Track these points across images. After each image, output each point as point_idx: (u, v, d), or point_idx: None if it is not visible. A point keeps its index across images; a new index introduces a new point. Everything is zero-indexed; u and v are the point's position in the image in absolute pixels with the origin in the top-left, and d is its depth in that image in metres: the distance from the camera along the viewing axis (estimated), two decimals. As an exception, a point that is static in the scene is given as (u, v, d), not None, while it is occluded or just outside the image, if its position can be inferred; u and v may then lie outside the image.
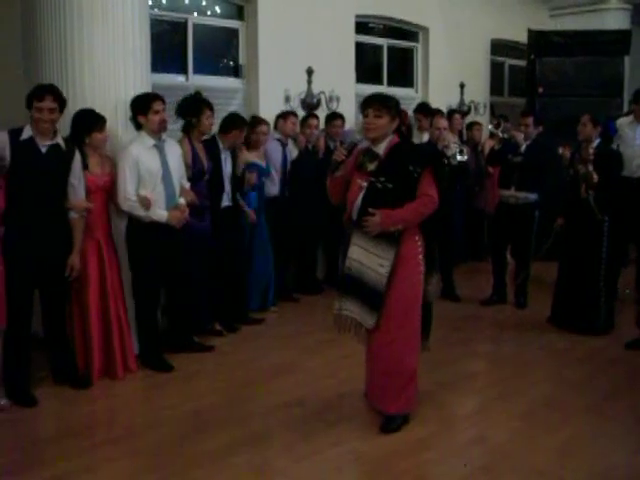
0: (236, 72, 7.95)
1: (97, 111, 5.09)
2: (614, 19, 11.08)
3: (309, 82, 8.11)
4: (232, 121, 6.22)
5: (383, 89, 8.64)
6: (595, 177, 6.00)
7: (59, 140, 4.71)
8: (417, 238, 4.27)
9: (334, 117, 7.80)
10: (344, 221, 4.41)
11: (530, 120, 6.97)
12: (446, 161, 6.61)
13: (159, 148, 5.25)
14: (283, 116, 7.28)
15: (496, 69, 11.14)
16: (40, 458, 4.00)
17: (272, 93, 7.78)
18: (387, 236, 4.16)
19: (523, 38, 10.30)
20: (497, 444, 4.17)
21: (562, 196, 6.63)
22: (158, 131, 5.23)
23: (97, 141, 5.06)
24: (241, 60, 7.93)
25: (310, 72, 8.11)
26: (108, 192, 5.15)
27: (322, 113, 7.92)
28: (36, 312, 4.85)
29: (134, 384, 5.18)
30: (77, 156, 4.81)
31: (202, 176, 5.80)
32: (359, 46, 8.95)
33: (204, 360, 5.60)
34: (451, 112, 8.97)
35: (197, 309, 5.83)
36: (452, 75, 9.96)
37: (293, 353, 5.80)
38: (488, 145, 8.70)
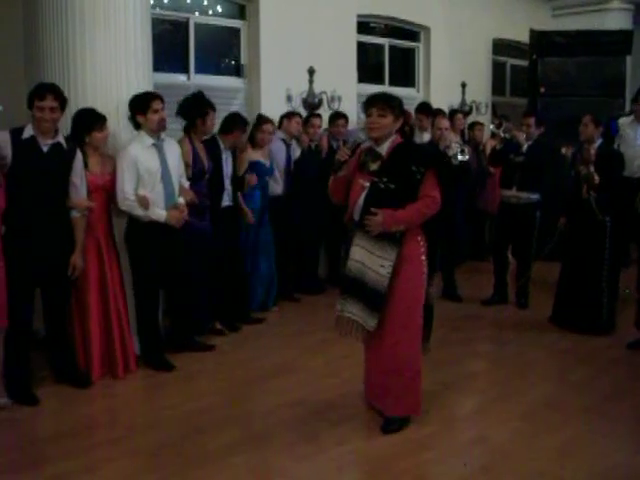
0: (238, 72, 7.95)
1: (99, 111, 5.09)
2: (616, 19, 11.07)
3: (311, 82, 8.11)
4: (233, 121, 6.22)
5: (384, 89, 8.62)
6: (596, 178, 5.99)
7: (60, 139, 4.72)
8: (420, 238, 4.26)
9: (337, 117, 7.80)
10: (345, 221, 4.40)
11: (532, 120, 6.97)
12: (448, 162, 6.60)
13: (158, 147, 5.24)
14: (288, 116, 7.29)
15: (498, 69, 11.13)
16: (40, 457, 4.00)
17: (274, 93, 7.78)
18: (389, 237, 4.14)
19: (525, 38, 10.30)
20: (497, 444, 4.17)
21: (563, 196, 6.63)
22: (157, 130, 5.22)
23: (97, 140, 5.06)
24: (243, 60, 7.93)
25: (312, 72, 8.10)
26: (108, 191, 5.14)
27: (323, 113, 7.91)
28: (37, 311, 4.86)
29: (134, 384, 5.18)
30: (78, 155, 4.82)
31: (203, 176, 5.80)
32: (361, 46, 8.95)
33: (205, 360, 5.60)
34: (453, 112, 8.97)
35: (197, 309, 5.82)
36: (454, 75, 9.96)
37: (294, 353, 5.80)
38: (489, 145, 8.71)
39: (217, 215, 5.99)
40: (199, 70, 7.56)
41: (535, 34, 10.10)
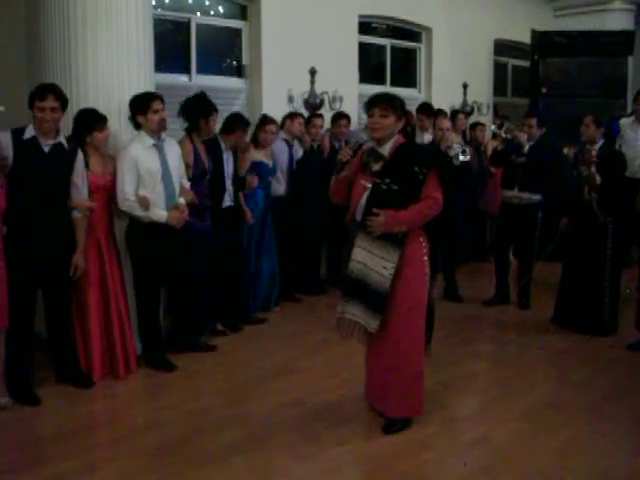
0: (239, 72, 7.95)
1: (100, 111, 5.09)
2: (618, 20, 11.06)
3: (312, 82, 8.12)
4: (234, 121, 6.22)
5: (386, 89, 8.61)
6: (598, 179, 5.99)
7: (62, 139, 4.72)
8: (422, 239, 4.24)
9: (340, 117, 7.80)
10: (347, 222, 4.39)
11: (533, 121, 6.97)
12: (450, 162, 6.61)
13: (158, 148, 5.24)
14: (290, 117, 7.29)
15: (499, 69, 11.13)
16: (41, 457, 4.01)
17: (275, 93, 7.78)
18: (391, 238, 4.13)
19: (526, 38, 10.29)
20: (498, 444, 4.17)
21: (565, 196, 6.63)
22: (157, 130, 5.22)
23: (98, 140, 5.06)
24: (244, 60, 7.93)
25: (313, 72, 8.11)
26: (109, 192, 5.14)
27: (325, 113, 7.91)
28: (39, 311, 4.86)
29: (135, 384, 5.19)
30: (80, 155, 4.82)
31: (204, 176, 5.80)
32: (362, 46, 8.95)
33: (206, 360, 5.60)
34: (454, 112, 8.97)
35: (198, 309, 5.81)
36: (455, 75, 9.96)
37: (295, 353, 5.81)
38: (491, 145, 8.70)
39: (218, 215, 5.99)
40: (201, 70, 7.56)
41: (537, 34, 10.10)
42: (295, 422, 4.47)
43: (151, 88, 5.48)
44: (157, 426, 4.40)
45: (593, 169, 6.03)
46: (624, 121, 8.03)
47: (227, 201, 6.16)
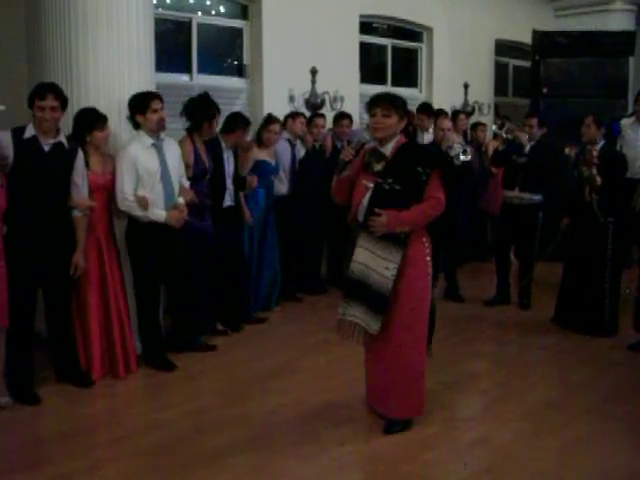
0: (240, 72, 7.95)
1: (101, 111, 5.09)
2: (619, 20, 11.06)
3: (313, 82, 8.11)
4: (235, 121, 6.21)
5: (387, 89, 8.60)
6: (598, 180, 5.99)
7: (62, 138, 4.72)
8: (425, 240, 4.22)
9: (342, 117, 7.80)
10: (349, 222, 4.37)
11: (534, 121, 6.97)
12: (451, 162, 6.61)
13: (157, 147, 5.23)
14: (292, 116, 7.30)
15: (500, 69, 11.13)
16: (42, 457, 4.01)
17: (276, 93, 7.78)
18: (394, 238, 4.10)
19: (527, 39, 10.27)
20: (499, 445, 4.16)
21: (565, 197, 6.63)
22: (157, 130, 5.21)
23: (98, 140, 5.06)
24: (245, 60, 7.92)
25: (314, 72, 8.11)
26: (109, 191, 5.14)
27: (326, 113, 7.90)
28: (39, 310, 4.86)
29: (136, 383, 5.18)
30: (80, 154, 4.82)
31: (204, 176, 5.80)
32: (363, 46, 8.95)
33: (206, 360, 5.60)
34: (455, 112, 8.97)
35: (198, 308, 5.80)
36: (456, 75, 9.95)
37: (296, 353, 5.80)
38: (492, 146, 8.70)
39: (219, 215, 5.98)
40: (202, 70, 7.56)
41: (538, 35, 10.08)
42: (296, 422, 4.47)
43: (152, 88, 5.47)
44: (157, 426, 4.39)
45: (594, 170, 6.02)
46: (625, 122, 8.03)
47: (228, 201, 6.16)
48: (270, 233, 6.85)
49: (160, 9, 7.07)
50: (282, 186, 7.11)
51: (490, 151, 8.48)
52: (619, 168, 6.20)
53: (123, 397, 4.99)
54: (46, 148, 4.63)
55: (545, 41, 10.06)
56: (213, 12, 7.80)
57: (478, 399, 4.99)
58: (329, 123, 7.81)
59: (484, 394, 5.08)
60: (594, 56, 9.92)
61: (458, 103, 9.93)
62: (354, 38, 8.71)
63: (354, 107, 8.42)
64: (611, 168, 6.08)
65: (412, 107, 7.95)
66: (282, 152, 7.06)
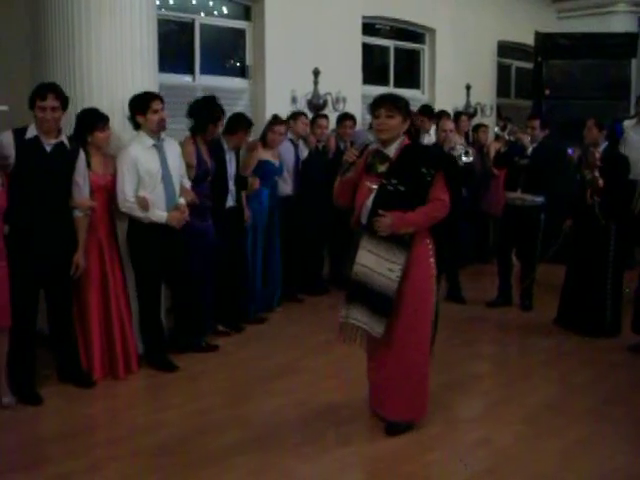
0: (243, 73, 7.96)
1: (104, 111, 5.09)
2: (621, 22, 11.05)
3: (315, 83, 8.12)
4: (238, 121, 6.21)
5: (389, 90, 8.61)
6: (601, 182, 5.99)
7: (64, 139, 4.72)
8: (428, 241, 4.21)
9: (345, 118, 7.81)
10: (352, 226, 4.33)
11: (537, 123, 6.97)
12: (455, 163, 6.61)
13: (158, 148, 5.22)
14: (294, 116, 7.30)
15: (503, 71, 11.12)
16: (44, 456, 4.01)
17: (279, 94, 7.78)
18: (398, 240, 4.08)
19: (530, 40, 10.28)
20: (501, 447, 4.16)
21: (568, 198, 6.63)
22: (157, 131, 5.20)
23: (99, 140, 5.06)
24: (248, 61, 7.93)
25: (317, 73, 8.11)
26: (110, 192, 5.14)
27: (328, 114, 7.90)
28: (41, 309, 4.86)
29: (138, 384, 5.19)
30: (82, 155, 4.82)
31: (206, 177, 5.79)
32: (366, 47, 8.95)
33: (208, 360, 5.60)
34: (457, 114, 8.96)
35: (200, 309, 5.80)
36: (458, 77, 9.95)
37: (297, 353, 5.80)
38: (493, 147, 8.71)
39: (221, 216, 5.98)
40: (204, 71, 7.56)
41: (540, 36, 10.09)
42: (297, 423, 4.47)
43: (155, 88, 5.47)
44: (159, 426, 4.39)
45: (596, 173, 6.02)
46: (627, 123, 8.03)
47: (230, 201, 6.16)
48: (274, 233, 6.85)
49: (163, 10, 7.07)
50: (286, 186, 7.12)
51: (492, 152, 8.49)
52: (622, 170, 6.20)
53: (124, 397, 4.99)
54: (48, 148, 4.63)
55: (548, 43, 10.06)
56: (216, 13, 7.81)
57: (479, 400, 4.99)
58: (332, 124, 7.81)
59: (485, 395, 5.08)
60: (597, 58, 9.92)
61: (460, 104, 9.93)
62: (357, 39, 8.71)
63: (356, 108, 8.43)
64: (613, 170, 6.08)
65: (414, 108, 7.98)
66: (285, 152, 7.07)
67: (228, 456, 3.98)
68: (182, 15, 7.42)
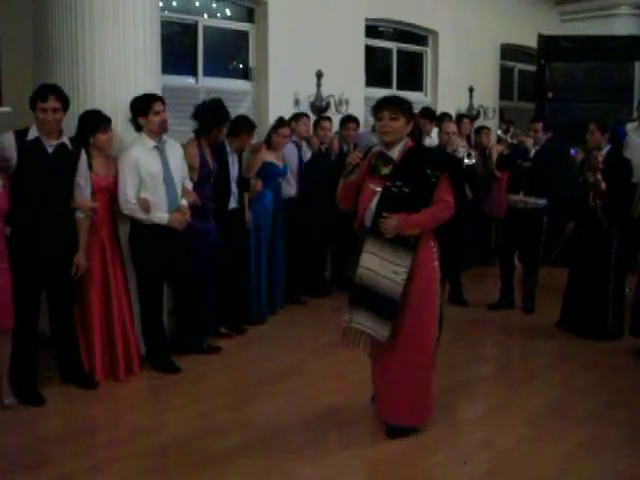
0: (246, 75, 7.97)
1: (107, 113, 5.10)
2: (624, 25, 11.04)
3: (318, 85, 8.12)
4: (240, 124, 6.21)
5: (392, 93, 8.61)
6: (603, 185, 5.99)
7: (65, 140, 4.73)
8: (432, 244, 4.20)
9: (348, 120, 7.81)
10: (356, 229, 4.30)
11: (539, 125, 6.97)
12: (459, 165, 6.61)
13: (160, 149, 5.22)
14: (295, 118, 7.30)
15: (506, 74, 11.12)
16: (47, 457, 4.01)
17: (282, 96, 7.79)
18: (404, 242, 4.06)
19: (533, 43, 10.27)
20: (503, 449, 4.16)
21: (571, 201, 6.63)
22: (159, 132, 5.20)
23: (101, 142, 5.07)
24: (251, 63, 7.94)
25: (320, 75, 8.11)
26: (112, 193, 5.15)
27: (331, 116, 7.90)
28: (43, 310, 4.86)
29: (140, 385, 5.19)
30: (83, 156, 4.83)
31: (209, 179, 5.80)
32: (369, 49, 8.97)
33: (210, 362, 5.60)
34: (460, 116, 8.95)
35: (202, 311, 5.80)
36: (461, 79, 9.95)
37: (300, 355, 5.80)
38: (495, 150, 8.71)
39: (224, 218, 5.99)
40: (207, 73, 7.57)
41: (543, 39, 10.08)
42: (300, 425, 4.47)
43: (158, 90, 5.48)
44: (161, 428, 4.40)
45: (599, 175, 6.02)
46: (629, 126, 8.02)
47: (232, 203, 6.16)
48: (277, 235, 6.86)
49: (166, 12, 7.09)
50: (290, 188, 7.12)
51: (494, 155, 8.49)
52: (624, 173, 6.20)
53: (126, 399, 4.99)
54: (50, 150, 4.64)
55: (551, 45, 10.06)
56: (219, 15, 7.81)
57: (481, 403, 4.99)
58: (335, 126, 7.81)
59: (487, 398, 5.07)
60: (599, 60, 9.92)
61: (463, 107, 9.92)
62: (360, 41, 8.72)
63: (359, 110, 8.43)
64: (616, 173, 6.08)
65: (416, 111, 7.99)
66: (289, 154, 7.07)
67: (230, 458, 3.98)
68: (185, 17, 7.43)
